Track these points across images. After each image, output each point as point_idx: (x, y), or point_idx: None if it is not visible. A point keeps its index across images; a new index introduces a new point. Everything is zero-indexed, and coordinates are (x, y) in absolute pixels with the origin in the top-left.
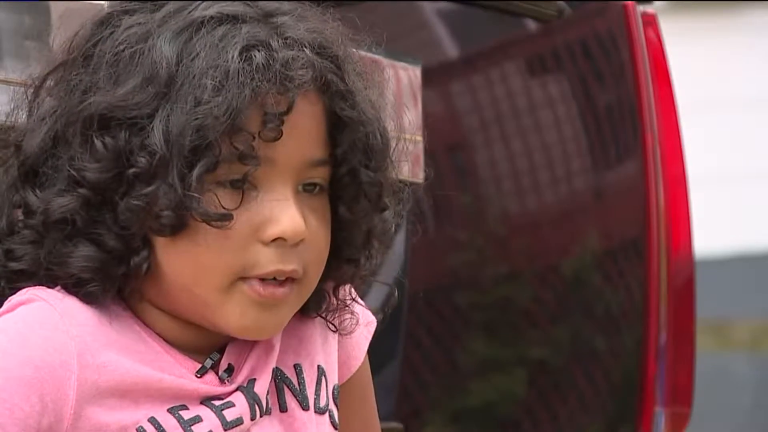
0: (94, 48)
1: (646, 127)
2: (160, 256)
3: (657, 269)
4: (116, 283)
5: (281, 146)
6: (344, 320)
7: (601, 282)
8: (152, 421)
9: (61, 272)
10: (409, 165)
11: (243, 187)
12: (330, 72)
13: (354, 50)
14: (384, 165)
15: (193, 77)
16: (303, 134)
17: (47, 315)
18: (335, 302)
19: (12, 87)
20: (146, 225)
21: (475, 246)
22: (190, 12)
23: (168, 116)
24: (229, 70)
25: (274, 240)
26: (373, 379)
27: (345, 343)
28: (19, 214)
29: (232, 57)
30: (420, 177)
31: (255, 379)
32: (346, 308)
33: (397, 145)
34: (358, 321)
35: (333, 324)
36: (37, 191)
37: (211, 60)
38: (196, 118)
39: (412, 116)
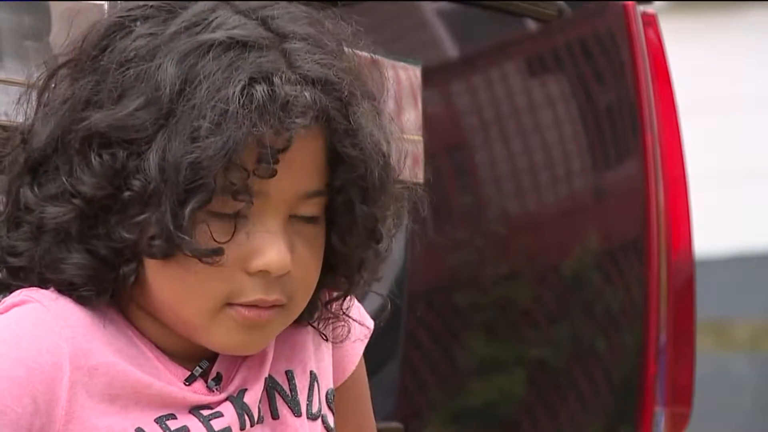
0: (102, 54)
1: (646, 127)
2: (149, 273)
3: (657, 269)
4: (109, 288)
5: (276, 181)
6: (337, 329)
7: (601, 282)
8: (139, 431)
9: (55, 277)
10: (409, 165)
11: (234, 218)
12: (334, 109)
13: (365, 83)
14: (381, 200)
15: (193, 110)
16: (299, 168)
17: (40, 316)
18: (328, 312)
19: (12, 87)
20: (138, 246)
21: (475, 246)
22: (199, 32)
23: (165, 146)
24: (228, 109)
25: (260, 271)
26: (373, 379)
27: (340, 347)
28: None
29: (233, 93)
30: (420, 177)
31: (246, 390)
32: (339, 318)
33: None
34: (350, 329)
35: (324, 334)
36: (36, 189)
37: (212, 93)
38: (192, 153)
39: (412, 116)
